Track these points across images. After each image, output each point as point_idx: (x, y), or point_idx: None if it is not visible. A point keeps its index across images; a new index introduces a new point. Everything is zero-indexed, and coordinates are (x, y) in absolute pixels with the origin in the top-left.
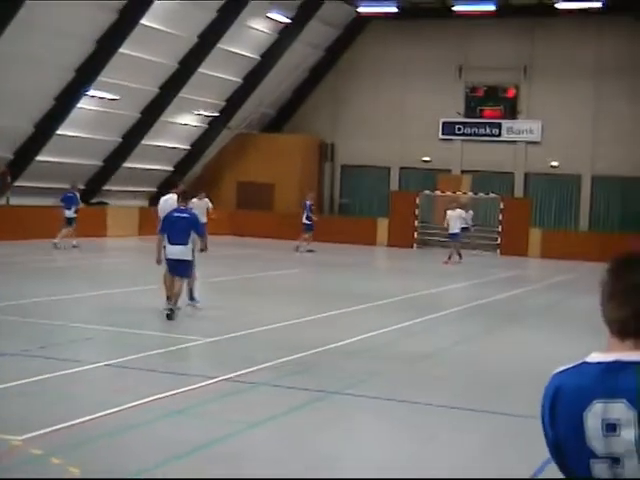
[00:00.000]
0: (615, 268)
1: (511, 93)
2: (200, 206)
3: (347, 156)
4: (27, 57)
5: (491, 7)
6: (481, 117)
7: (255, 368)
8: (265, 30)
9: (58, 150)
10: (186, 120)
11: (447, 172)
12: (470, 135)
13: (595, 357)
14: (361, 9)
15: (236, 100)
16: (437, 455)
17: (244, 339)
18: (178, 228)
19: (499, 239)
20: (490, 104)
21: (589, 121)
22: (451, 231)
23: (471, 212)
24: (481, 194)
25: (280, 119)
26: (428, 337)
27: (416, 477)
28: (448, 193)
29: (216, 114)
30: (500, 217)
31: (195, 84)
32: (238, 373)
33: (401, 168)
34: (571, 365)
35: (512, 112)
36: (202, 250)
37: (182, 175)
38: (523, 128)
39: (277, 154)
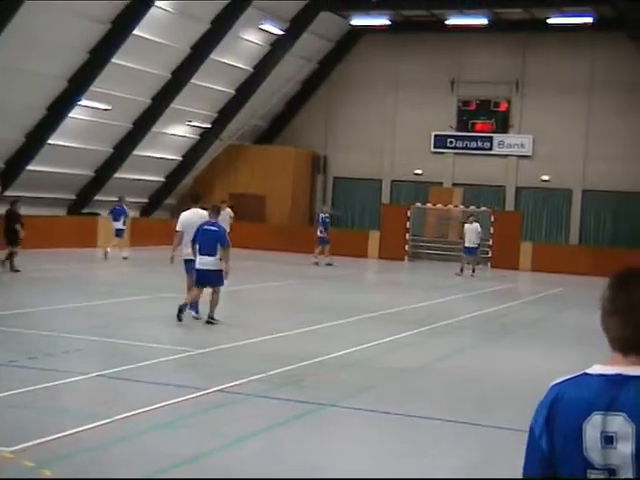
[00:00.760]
0: (616, 284)
1: (503, 107)
2: (222, 215)
3: (339, 168)
4: (20, 67)
5: (484, 21)
6: (473, 131)
7: (245, 380)
8: (258, 42)
9: (50, 160)
10: (178, 131)
11: (439, 185)
12: (462, 148)
13: (597, 369)
14: (354, 22)
15: (228, 111)
16: (425, 469)
17: (234, 351)
18: (207, 240)
19: (490, 252)
20: (482, 118)
21: (580, 136)
22: (467, 245)
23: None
24: (472, 207)
25: (272, 131)
26: (418, 350)
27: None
28: (439, 206)
29: (208, 125)
30: (491, 230)
31: (187, 95)
32: (228, 385)
33: (393, 181)
34: (571, 376)
35: (504, 126)
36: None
37: (174, 186)
38: (515, 142)
39: (269, 166)
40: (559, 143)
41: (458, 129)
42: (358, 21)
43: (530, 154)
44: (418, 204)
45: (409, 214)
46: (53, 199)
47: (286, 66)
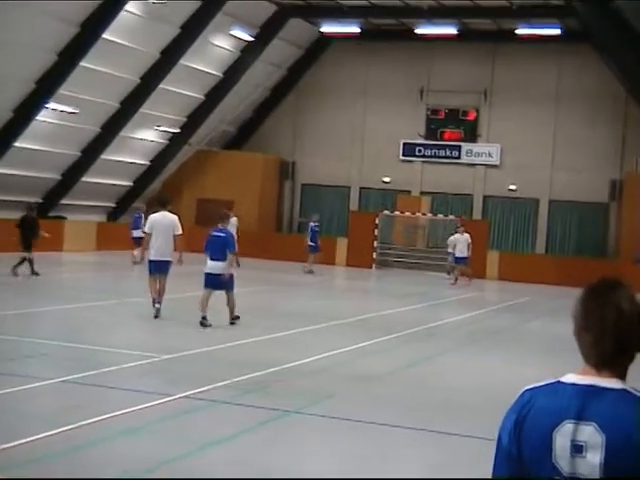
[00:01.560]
0: (588, 298)
1: (472, 116)
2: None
3: (307, 175)
4: None
5: (453, 31)
6: (441, 139)
7: (212, 386)
8: (228, 47)
9: (16, 163)
10: (146, 135)
11: (407, 193)
12: (430, 157)
13: (570, 378)
14: (324, 29)
15: (197, 117)
16: (386, 474)
17: (202, 357)
18: (216, 246)
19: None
20: (451, 127)
21: (547, 146)
22: (459, 255)
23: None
24: (440, 215)
25: (241, 137)
26: (384, 358)
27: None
28: (408, 214)
29: (177, 130)
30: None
31: (156, 100)
32: (195, 391)
33: (361, 188)
34: (544, 383)
35: (472, 135)
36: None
37: (142, 190)
38: (482, 151)
39: (237, 172)
40: (526, 153)
41: (427, 137)
42: (328, 28)
43: (497, 163)
44: (386, 212)
45: (377, 222)
46: (19, 202)
47: (255, 72)
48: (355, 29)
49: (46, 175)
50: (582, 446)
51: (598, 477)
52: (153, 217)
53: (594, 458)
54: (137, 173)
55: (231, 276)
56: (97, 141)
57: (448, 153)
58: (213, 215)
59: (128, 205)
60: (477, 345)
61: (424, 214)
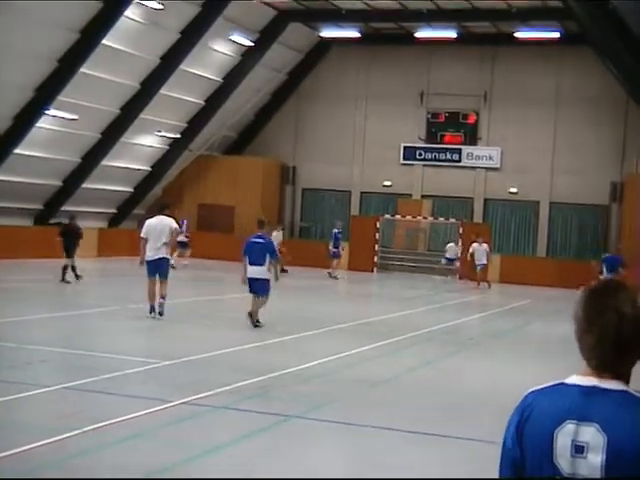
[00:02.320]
0: (589, 301)
1: (472, 119)
2: (277, 237)
3: (308, 179)
4: None
5: (452, 34)
6: (442, 142)
7: (212, 392)
8: (228, 52)
9: (16, 170)
10: (147, 141)
11: (408, 197)
12: (431, 160)
13: (574, 380)
14: (323, 34)
15: (198, 122)
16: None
17: (202, 362)
18: (256, 251)
19: (458, 264)
20: (451, 130)
21: (547, 148)
22: (479, 262)
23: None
24: (441, 219)
25: (242, 142)
26: (386, 362)
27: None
28: (408, 217)
29: (177, 136)
30: (460, 242)
31: (157, 105)
32: (195, 397)
33: (362, 192)
34: (547, 385)
35: (472, 138)
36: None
37: (142, 196)
38: (483, 154)
39: (238, 177)
40: (526, 155)
41: (427, 141)
42: (328, 33)
43: (498, 166)
44: (387, 215)
45: (378, 225)
46: (20, 209)
47: (256, 77)
48: (355, 33)
49: (47, 182)
50: (583, 447)
51: (598, 478)
52: (149, 222)
53: (595, 459)
54: (138, 179)
55: (267, 281)
56: (97, 147)
57: (449, 156)
58: (214, 220)
59: (129, 211)
60: (479, 348)
61: (425, 217)
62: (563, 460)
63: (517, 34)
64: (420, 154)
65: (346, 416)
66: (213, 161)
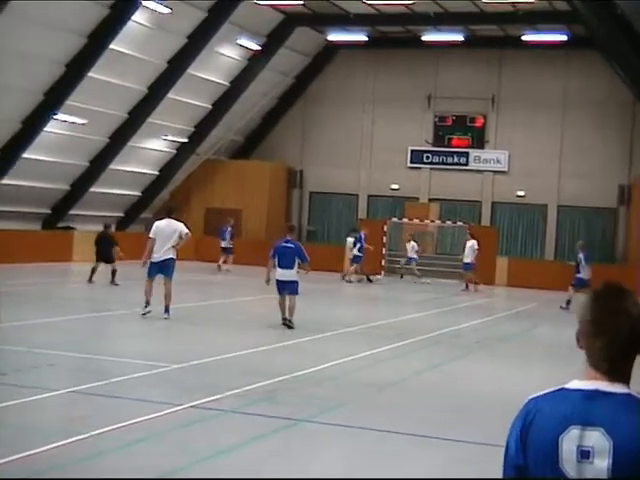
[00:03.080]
0: (597, 306)
1: (479, 122)
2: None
3: (315, 183)
4: None
5: (459, 37)
6: (449, 146)
7: (221, 395)
8: (235, 57)
9: (25, 174)
10: (154, 145)
11: (415, 200)
12: (438, 164)
13: (575, 384)
14: (330, 37)
15: (205, 126)
16: None
17: (211, 366)
18: (285, 255)
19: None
20: (458, 133)
21: (555, 152)
22: (465, 260)
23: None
24: (448, 222)
25: (249, 146)
26: (395, 365)
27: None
28: (416, 221)
29: (185, 140)
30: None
31: (164, 109)
32: (204, 400)
33: (369, 196)
34: (549, 390)
35: (480, 141)
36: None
37: (150, 200)
38: (490, 157)
39: (245, 181)
40: (534, 158)
41: (434, 144)
42: (334, 36)
43: (505, 169)
44: (394, 219)
45: (386, 229)
46: (28, 213)
47: (263, 81)
48: (362, 37)
49: (55, 186)
50: (589, 451)
51: None
52: (157, 224)
53: (602, 463)
54: (145, 183)
55: (296, 282)
56: (105, 151)
57: (456, 160)
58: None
59: (137, 215)
60: (486, 352)
61: (432, 221)
62: (569, 465)
63: (524, 37)
64: (427, 157)
65: (354, 419)
66: (220, 165)
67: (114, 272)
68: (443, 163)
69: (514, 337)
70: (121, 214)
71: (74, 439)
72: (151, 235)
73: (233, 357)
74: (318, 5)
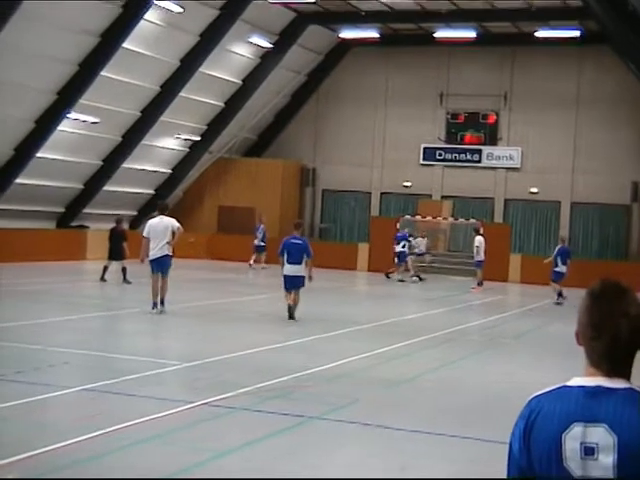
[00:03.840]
0: (596, 307)
1: (492, 119)
2: (422, 243)
3: (328, 181)
4: (8, 80)
5: (472, 34)
6: (462, 143)
7: (233, 393)
8: (247, 55)
9: (38, 173)
10: (167, 144)
11: (428, 197)
12: (451, 161)
13: (576, 381)
14: (342, 35)
15: (217, 124)
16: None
17: (222, 364)
18: (294, 251)
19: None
20: (471, 130)
21: (568, 148)
22: (476, 259)
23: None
24: (461, 219)
25: (261, 144)
26: (407, 363)
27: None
28: (429, 218)
29: (197, 138)
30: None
31: (177, 108)
32: (215, 398)
33: (382, 193)
34: (549, 388)
35: (492, 138)
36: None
37: (163, 198)
38: (503, 154)
39: (258, 179)
40: (547, 155)
41: (447, 141)
42: (347, 34)
43: (518, 166)
44: (407, 216)
45: (398, 226)
46: (42, 212)
47: (275, 79)
48: (374, 34)
49: (68, 185)
50: (593, 448)
51: (612, 478)
52: (150, 222)
53: (607, 459)
54: (158, 181)
55: (303, 277)
56: (118, 150)
57: (469, 157)
58: (234, 222)
59: (150, 213)
60: (498, 349)
61: (445, 218)
62: (573, 463)
63: (537, 34)
64: (440, 155)
65: (368, 417)
66: (233, 163)
67: (124, 270)
68: (456, 160)
69: (528, 334)
70: (134, 212)
71: (87, 436)
72: (145, 234)
73: (244, 355)
74: (330, 3)
